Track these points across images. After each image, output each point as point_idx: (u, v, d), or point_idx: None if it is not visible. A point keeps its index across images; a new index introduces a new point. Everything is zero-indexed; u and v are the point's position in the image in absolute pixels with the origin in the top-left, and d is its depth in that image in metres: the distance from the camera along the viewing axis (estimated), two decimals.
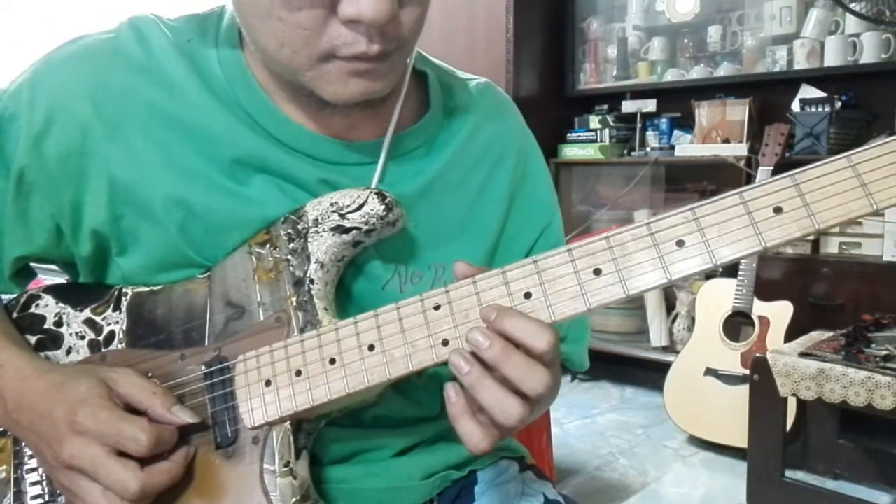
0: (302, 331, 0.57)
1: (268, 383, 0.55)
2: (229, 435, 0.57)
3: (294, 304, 0.58)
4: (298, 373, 0.54)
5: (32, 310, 0.65)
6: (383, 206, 0.58)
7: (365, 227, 0.58)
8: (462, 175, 0.68)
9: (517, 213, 0.72)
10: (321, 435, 0.61)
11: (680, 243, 0.46)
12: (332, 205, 0.59)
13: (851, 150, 0.44)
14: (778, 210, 0.44)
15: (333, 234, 0.58)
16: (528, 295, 0.49)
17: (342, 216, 0.58)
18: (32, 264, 0.68)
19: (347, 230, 0.58)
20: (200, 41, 0.63)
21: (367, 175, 0.63)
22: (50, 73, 0.60)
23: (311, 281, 0.58)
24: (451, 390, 0.49)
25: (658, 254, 0.46)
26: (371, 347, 0.52)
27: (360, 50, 0.53)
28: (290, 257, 0.59)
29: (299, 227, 0.59)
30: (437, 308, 0.50)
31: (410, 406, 0.68)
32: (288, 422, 0.56)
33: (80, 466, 0.53)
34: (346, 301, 0.62)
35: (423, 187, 0.65)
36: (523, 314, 0.48)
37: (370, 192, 0.58)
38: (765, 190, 0.44)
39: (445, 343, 0.50)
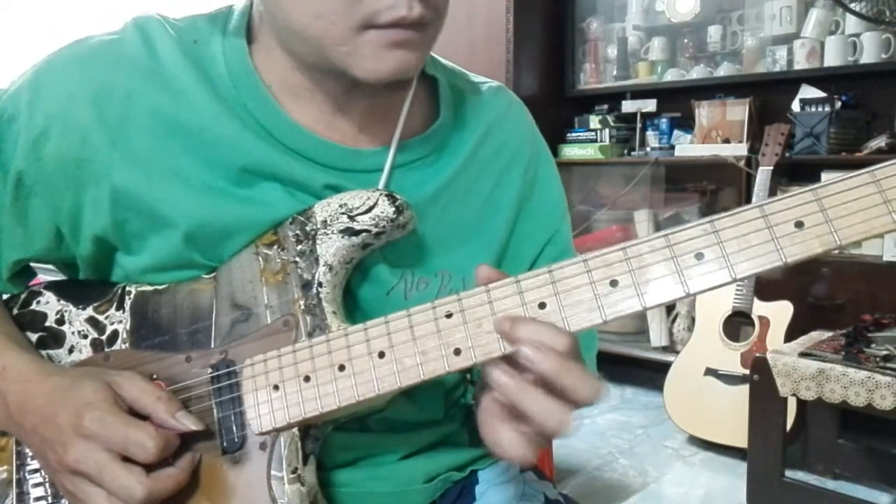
0: (310, 335, 0.56)
1: (276, 388, 0.54)
2: (236, 440, 0.56)
3: (302, 307, 0.57)
4: (307, 378, 0.53)
5: (33, 306, 0.64)
6: (394, 209, 0.57)
7: (375, 230, 0.57)
8: (471, 181, 0.67)
9: (526, 220, 0.71)
10: (327, 439, 0.60)
11: (699, 256, 0.45)
12: (340, 206, 0.58)
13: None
14: (799, 225, 0.43)
15: (342, 237, 0.57)
16: (542, 305, 0.47)
17: (351, 218, 0.57)
18: (31, 264, 0.67)
19: (357, 233, 0.57)
20: (207, 42, 0.61)
21: (374, 182, 0.62)
22: (51, 77, 0.59)
23: (320, 284, 0.57)
24: (488, 400, 0.48)
25: (676, 267, 0.45)
26: (381, 355, 0.51)
27: (400, 14, 0.52)
28: (297, 259, 0.58)
29: (307, 228, 0.58)
30: (449, 316, 0.49)
31: (416, 410, 0.67)
32: (296, 428, 0.55)
33: (84, 471, 0.52)
34: (349, 305, 0.61)
35: (431, 195, 0.64)
36: (536, 320, 0.47)
37: (380, 194, 0.57)
38: (786, 204, 0.43)
39: (458, 352, 0.49)
